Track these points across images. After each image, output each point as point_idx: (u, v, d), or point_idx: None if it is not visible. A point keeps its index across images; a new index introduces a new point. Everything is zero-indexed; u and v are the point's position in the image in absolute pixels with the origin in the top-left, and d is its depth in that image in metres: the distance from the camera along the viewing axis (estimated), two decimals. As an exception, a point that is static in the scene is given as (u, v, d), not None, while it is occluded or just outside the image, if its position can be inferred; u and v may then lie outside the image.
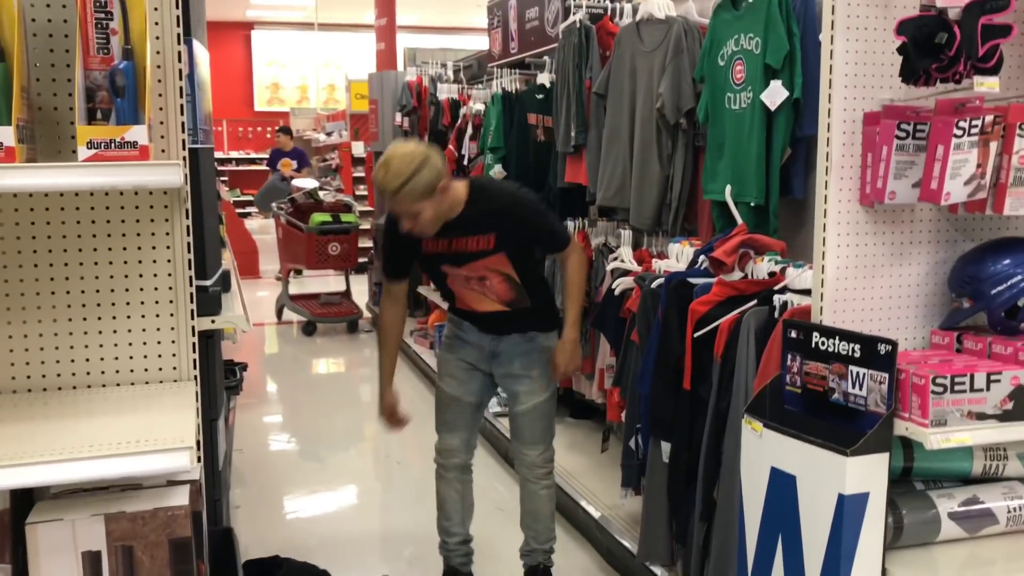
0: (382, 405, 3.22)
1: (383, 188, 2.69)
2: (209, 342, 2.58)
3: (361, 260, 9.51)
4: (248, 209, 18.18)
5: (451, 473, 3.25)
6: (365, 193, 11.99)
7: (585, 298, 3.41)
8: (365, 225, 9.54)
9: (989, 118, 2.01)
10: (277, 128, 13.33)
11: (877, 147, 2.13)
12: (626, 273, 3.61)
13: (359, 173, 12.43)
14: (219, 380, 2.92)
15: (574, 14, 4.26)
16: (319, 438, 5.51)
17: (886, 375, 1.95)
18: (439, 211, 2.78)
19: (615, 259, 3.86)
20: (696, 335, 2.74)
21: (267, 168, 12.72)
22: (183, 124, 1.86)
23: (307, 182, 9.76)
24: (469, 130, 5.94)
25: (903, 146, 2.10)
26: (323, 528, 4.16)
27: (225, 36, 19.85)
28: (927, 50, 1.94)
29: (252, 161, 19.83)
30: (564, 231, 3.17)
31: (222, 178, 17.91)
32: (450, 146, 6.17)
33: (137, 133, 1.52)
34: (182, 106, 1.87)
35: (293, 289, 8.75)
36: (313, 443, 5.45)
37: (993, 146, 2.03)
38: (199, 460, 1.90)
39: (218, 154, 18.99)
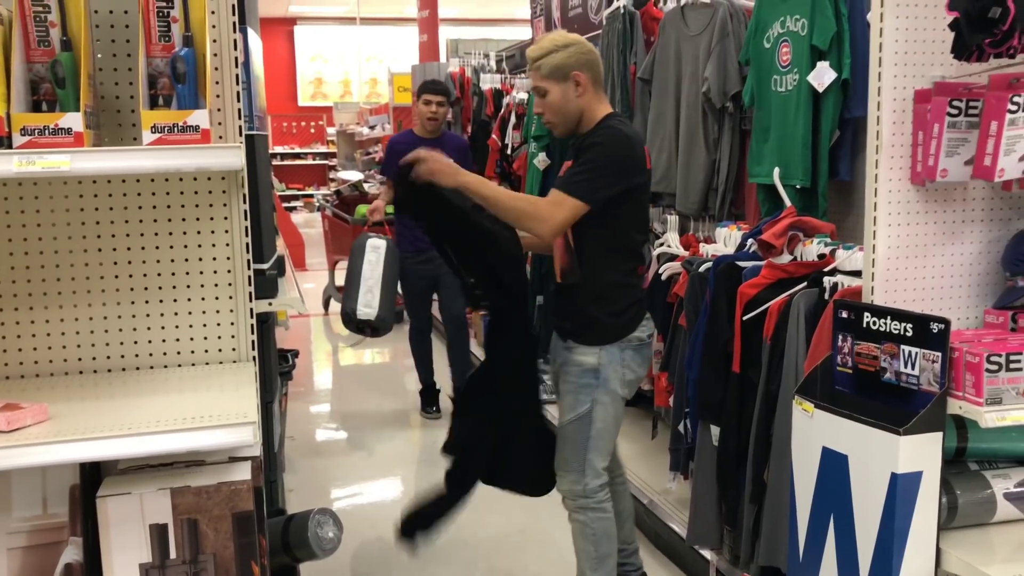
0: None
1: (527, 58, 2.80)
2: (264, 326, 2.64)
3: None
4: (294, 203, 18.41)
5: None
6: (387, 179, 11.95)
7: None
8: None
9: (1045, 93, 1.99)
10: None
11: (928, 125, 2.11)
12: (673, 258, 3.61)
13: (382, 160, 12.48)
14: (274, 364, 2.98)
15: (618, 0, 4.25)
16: (366, 427, 5.58)
17: (939, 354, 1.94)
18: (565, 107, 2.74)
19: (661, 244, 3.85)
20: (745, 318, 2.74)
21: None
22: (240, 110, 1.91)
23: (351, 174, 9.85)
24: (512, 119, 5.96)
25: (955, 123, 2.08)
26: (373, 513, 4.22)
27: (268, 32, 20.07)
28: (980, 25, 1.92)
29: (297, 156, 20.06)
30: (575, 186, 2.61)
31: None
32: (493, 136, 6.19)
33: (199, 117, 1.57)
34: (238, 93, 1.91)
35: (340, 281, 8.84)
36: (361, 432, 5.52)
37: (1049, 122, 2.01)
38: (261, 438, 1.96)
39: (265, 149, 19.23)
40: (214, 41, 1.91)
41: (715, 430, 2.91)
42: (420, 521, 2.95)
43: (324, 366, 7.55)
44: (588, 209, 2.62)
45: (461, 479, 2.94)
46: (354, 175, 9.83)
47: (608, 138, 2.68)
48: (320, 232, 9.25)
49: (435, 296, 5.42)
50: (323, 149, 20.02)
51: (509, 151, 6.02)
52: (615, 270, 2.77)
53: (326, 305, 8.86)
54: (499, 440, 2.89)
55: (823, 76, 3.02)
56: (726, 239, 3.28)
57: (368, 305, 3.95)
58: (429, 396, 5.64)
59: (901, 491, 1.93)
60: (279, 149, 20.00)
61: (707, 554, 3.13)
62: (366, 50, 20.37)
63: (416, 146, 4.76)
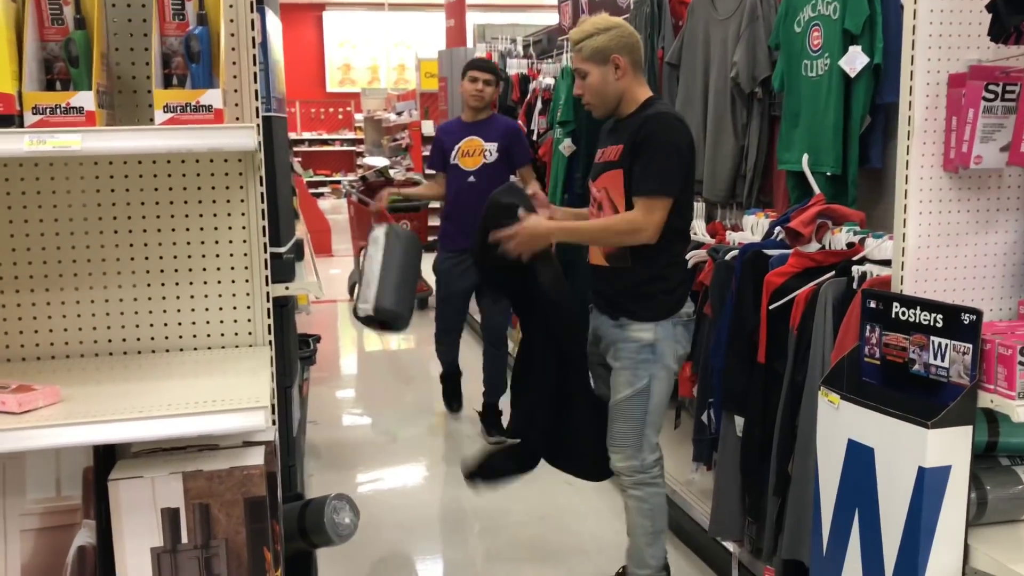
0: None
1: (571, 35, 2.85)
2: (284, 311, 2.63)
3: (431, 239, 9.57)
4: (321, 189, 18.46)
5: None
6: (435, 172, 11.98)
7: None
8: (435, 204, 9.56)
9: (1085, 77, 1.92)
10: None
11: (963, 110, 2.05)
12: (699, 246, 3.55)
13: (427, 151, 12.48)
14: (293, 349, 2.97)
15: (646, -16, 4.19)
16: (390, 413, 5.58)
17: (970, 346, 1.88)
18: (605, 90, 2.80)
19: (687, 232, 3.80)
20: (771, 307, 2.69)
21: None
22: (256, 91, 1.88)
23: (378, 160, 9.84)
24: (539, 105, 5.91)
25: (991, 108, 2.02)
26: (393, 500, 4.21)
27: (297, 18, 20.12)
28: (1019, 6, 1.86)
29: (324, 142, 20.10)
30: (659, 184, 2.67)
31: (296, 158, 18.20)
32: (519, 121, 6.14)
33: (212, 97, 1.54)
34: (255, 74, 1.89)
35: (365, 267, 8.84)
36: (385, 417, 5.52)
37: (1089, 106, 1.94)
38: (274, 423, 1.94)
39: (292, 135, 19.30)
40: (231, 21, 1.89)
41: (739, 421, 2.87)
42: (484, 472, 3.13)
43: (349, 351, 7.56)
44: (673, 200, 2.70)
45: (525, 456, 3.08)
46: (381, 161, 9.82)
47: (665, 126, 2.72)
48: (347, 218, 9.25)
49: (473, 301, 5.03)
50: (351, 135, 20.04)
51: (535, 137, 5.97)
52: (669, 251, 2.82)
53: (351, 291, 8.87)
54: (556, 420, 2.99)
55: (855, 61, 2.95)
56: (753, 227, 3.22)
57: (365, 300, 3.78)
58: (452, 388, 5.31)
59: (929, 486, 1.89)
60: (307, 135, 20.05)
61: (729, 546, 3.09)
62: (394, 36, 20.36)
63: (463, 133, 4.65)
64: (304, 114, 20.47)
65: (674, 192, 2.70)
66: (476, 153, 4.70)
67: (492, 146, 4.69)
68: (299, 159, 18.45)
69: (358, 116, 19.09)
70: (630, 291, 2.81)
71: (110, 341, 1.93)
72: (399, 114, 14.03)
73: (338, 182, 18.82)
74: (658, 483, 2.91)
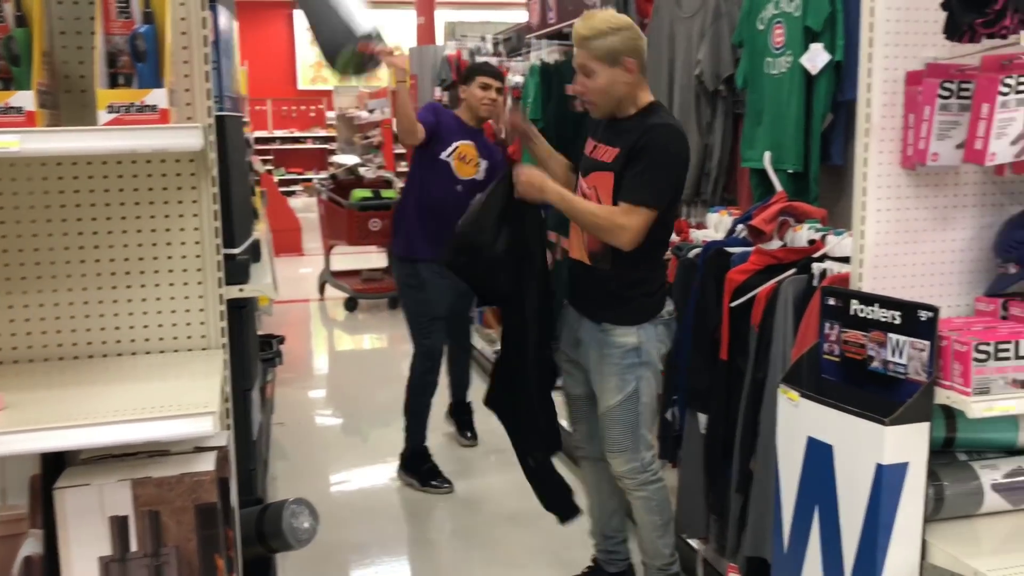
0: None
1: (575, 30, 2.70)
2: (242, 312, 2.59)
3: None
4: (292, 188, 18.33)
5: (583, 464, 3.18)
6: (407, 169, 11.94)
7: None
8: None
9: (1038, 74, 1.93)
10: None
11: (919, 107, 2.05)
12: (663, 244, 3.55)
13: (400, 149, 12.43)
14: (253, 351, 2.93)
15: (612, -19, 4.18)
16: (361, 413, 5.54)
17: (927, 342, 1.89)
18: (611, 91, 2.72)
19: (653, 230, 3.80)
20: (733, 305, 2.69)
21: None
22: (208, 91, 1.85)
23: (348, 159, 9.78)
24: (508, 103, 5.89)
25: (947, 106, 2.03)
26: (362, 501, 4.18)
27: (267, 15, 19.96)
28: (972, 5, 1.86)
29: (297, 140, 19.96)
30: (648, 195, 2.64)
31: (266, 156, 18.07)
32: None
33: (157, 96, 1.51)
34: (207, 73, 1.86)
35: (335, 265, 8.80)
36: (355, 418, 5.48)
37: (1042, 104, 1.95)
38: (229, 427, 1.92)
39: (263, 133, 19.15)
40: (182, 19, 1.86)
41: (703, 418, 2.88)
42: (554, 500, 3.09)
43: (319, 351, 7.52)
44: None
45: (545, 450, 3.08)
46: (351, 159, 9.75)
47: (668, 138, 2.69)
48: (317, 217, 9.18)
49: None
50: (323, 133, 19.92)
51: (503, 135, 5.95)
52: (651, 257, 2.82)
53: (321, 290, 8.81)
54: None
55: (816, 58, 2.96)
56: (716, 225, 3.22)
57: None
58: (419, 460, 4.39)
59: (886, 483, 1.89)
60: (279, 133, 19.90)
61: (694, 543, 3.09)
62: (366, 33, 20.24)
63: (463, 135, 4.16)
64: (276, 112, 20.31)
65: (661, 205, 2.67)
66: (471, 163, 4.22)
67: (484, 163, 4.26)
68: (270, 157, 18.34)
69: (330, 114, 18.98)
70: (611, 294, 2.81)
71: (59, 346, 1.89)
72: (371, 111, 13.97)
73: (310, 180, 18.71)
74: (659, 477, 2.91)
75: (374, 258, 9.42)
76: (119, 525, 1.59)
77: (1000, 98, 1.91)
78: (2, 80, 1.57)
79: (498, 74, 4.30)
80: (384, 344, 7.60)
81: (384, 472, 4.41)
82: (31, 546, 1.64)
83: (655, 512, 2.91)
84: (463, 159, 4.22)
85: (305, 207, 15.27)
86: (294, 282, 9.34)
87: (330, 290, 8.69)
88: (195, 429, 1.50)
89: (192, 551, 1.61)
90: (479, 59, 6.79)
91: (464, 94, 4.26)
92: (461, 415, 4.85)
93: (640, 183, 2.65)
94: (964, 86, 2.01)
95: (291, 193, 17.73)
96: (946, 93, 2.02)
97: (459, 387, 4.82)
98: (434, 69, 8.13)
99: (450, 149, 4.19)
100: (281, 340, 4.23)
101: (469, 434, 4.81)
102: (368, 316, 8.27)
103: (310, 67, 20.96)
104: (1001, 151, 1.95)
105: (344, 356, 7.40)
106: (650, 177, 2.65)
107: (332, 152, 17.83)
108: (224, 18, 2.29)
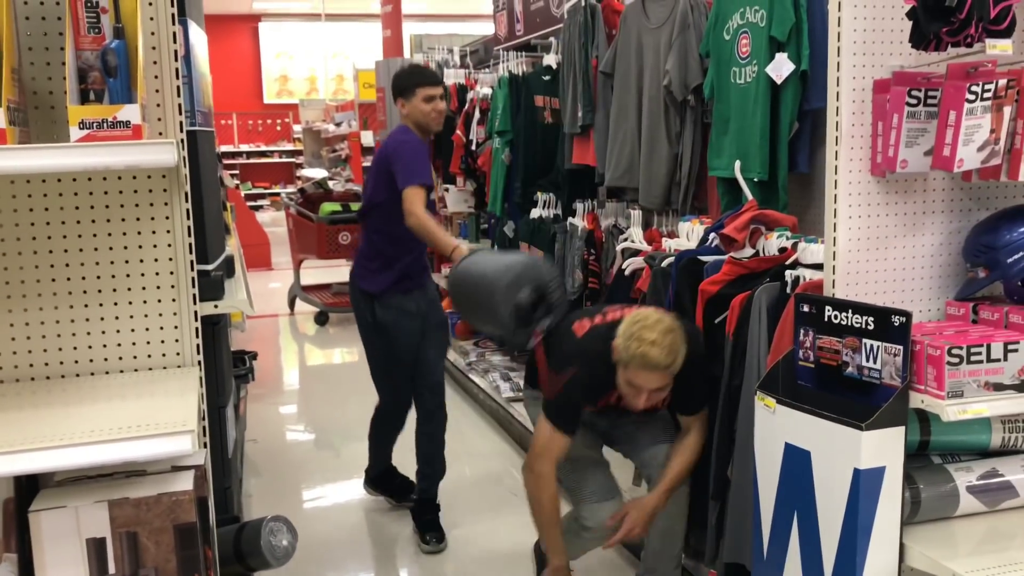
0: None
1: (656, 361, 2.48)
2: (215, 329, 2.57)
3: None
4: (260, 202, 18.21)
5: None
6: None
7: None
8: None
9: (1002, 82, 1.96)
10: None
11: (888, 115, 2.08)
12: (636, 253, 3.57)
13: (368, 162, 12.40)
14: (227, 368, 2.90)
15: (579, -7, 4.21)
16: (333, 427, 5.50)
17: (900, 347, 1.91)
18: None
19: (625, 239, 3.82)
20: (716, 322, 2.70)
21: None
22: (180, 106, 1.84)
23: (316, 172, 9.74)
24: (476, 114, 5.90)
25: (914, 113, 2.06)
26: (337, 516, 4.15)
27: (232, 29, 19.85)
28: (937, 13, 1.89)
29: (263, 154, 19.85)
30: (707, 394, 2.75)
31: (233, 171, 17.94)
32: (458, 131, 6.13)
33: (130, 112, 1.50)
34: (178, 87, 1.84)
35: (305, 280, 8.74)
36: (327, 432, 5.44)
37: (1007, 111, 1.98)
38: (206, 446, 1.89)
39: (229, 147, 19.02)
40: (152, 34, 1.84)
41: (679, 427, 2.88)
42: None
43: (291, 367, 7.46)
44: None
45: None
46: (319, 172, 9.72)
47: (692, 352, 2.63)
48: (286, 231, 9.12)
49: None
50: (290, 147, 19.83)
51: (474, 147, 5.96)
52: None
53: (292, 304, 8.74)
54: None
55: (781, 68, 2.99)
56: (688, 233, 3.24)
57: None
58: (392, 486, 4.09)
59: (864, 487, 1.91)
60: (245, 147, 19.77)
61: (673, 552, 3.09)
62: (331, 46, 20.17)
63: (426, 151, 3.61)
64: (242, 126, 20.19)
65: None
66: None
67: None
68: (236, 172, 18.21)
69: (297, 128, 18.90)
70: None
71: (31, 366, 1.86)
72: (338, 125, 13.93)
73: (277, 194, 18.60)
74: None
75: (344, 272, 9.36)
76: (96, 547, 1.56)
77: (967, 105, 1.94)
78: (-29, 97, 1.54)
79: (438, 80, 3.77)
80: (355, 358, 7.54)
81: (358, 487, 4.38)
82: (6, 570, 1.61)
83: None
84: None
85: (273, 221, 15.17)
86: (264, 297, 9.27)
87: (300, 304, 8.62)
88: (173, 448, 1.48)
89: (172, 572, 1.59)
90: (447, 71, 6.80)
91: (405, 108, 3.68)
92: (429, 514, 3.84)
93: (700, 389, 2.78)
94: (931, 94, 2.04)
95: (258, 208, 17.63)
96: (913, 101, 2.05)
97: (431, 477, 3.88)
98: (401, 82, 8.10)
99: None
100: (254, 356, 4.19)
101: (430, 537, 3.73)
102: (339, 330, 8.22)
103: (275, 80, 20.87)
104: (968, 157, 1.98)
105: (315, 371, 7.34)
106: (703, 383, 2.77)
107: (299, 166, 17.77)
108: (194, 31, 2.27)
